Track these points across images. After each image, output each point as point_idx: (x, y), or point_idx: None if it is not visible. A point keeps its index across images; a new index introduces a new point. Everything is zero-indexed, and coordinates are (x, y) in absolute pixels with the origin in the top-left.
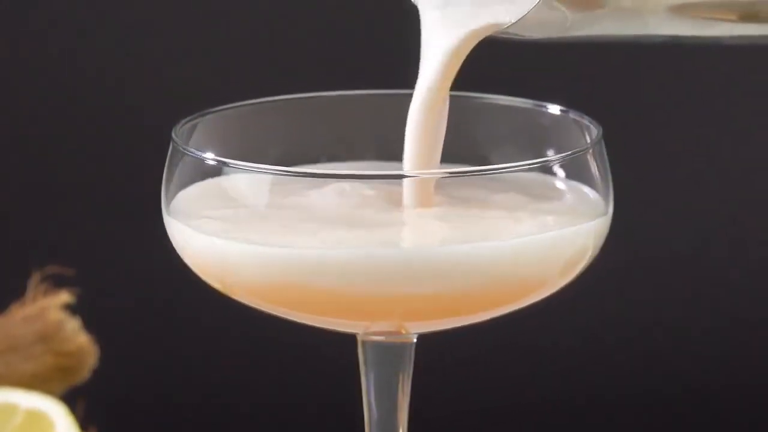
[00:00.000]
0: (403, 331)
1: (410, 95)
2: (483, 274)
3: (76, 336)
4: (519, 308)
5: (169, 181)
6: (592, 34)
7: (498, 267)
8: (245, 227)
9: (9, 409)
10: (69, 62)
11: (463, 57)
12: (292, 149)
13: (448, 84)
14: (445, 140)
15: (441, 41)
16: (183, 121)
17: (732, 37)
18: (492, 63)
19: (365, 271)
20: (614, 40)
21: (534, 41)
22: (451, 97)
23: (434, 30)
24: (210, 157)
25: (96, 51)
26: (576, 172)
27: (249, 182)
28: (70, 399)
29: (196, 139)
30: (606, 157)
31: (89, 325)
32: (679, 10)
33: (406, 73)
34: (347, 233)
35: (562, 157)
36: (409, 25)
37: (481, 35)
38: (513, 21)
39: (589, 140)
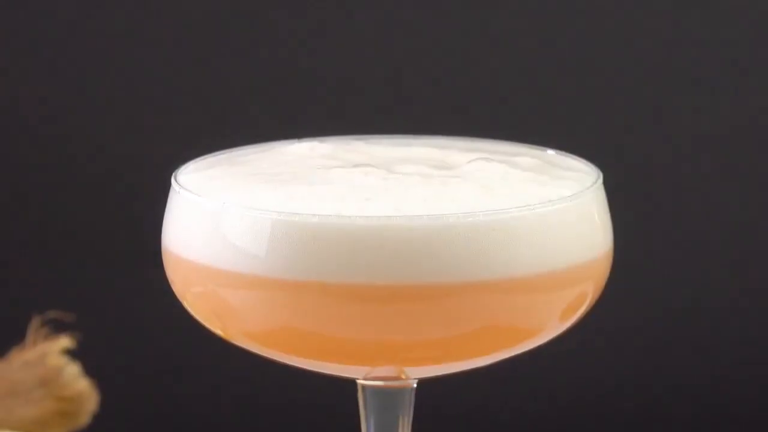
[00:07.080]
0: (403, 376)
1: None
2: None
3: (76, 381)
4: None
5: (168, 224)
6: None
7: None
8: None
9: None
10: (68, 110)
11: None
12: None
13: None
14: None
15: None
16: (182, 167)
17: None
18: (493, 108)
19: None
20: None
21: None
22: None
23: None
24: (209, 201)
25: (95, 101)
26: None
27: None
28: None
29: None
30: (606, 201)
31: (89, 370)
32: None
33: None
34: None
35: (561, 200)
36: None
37: None
38: None
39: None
